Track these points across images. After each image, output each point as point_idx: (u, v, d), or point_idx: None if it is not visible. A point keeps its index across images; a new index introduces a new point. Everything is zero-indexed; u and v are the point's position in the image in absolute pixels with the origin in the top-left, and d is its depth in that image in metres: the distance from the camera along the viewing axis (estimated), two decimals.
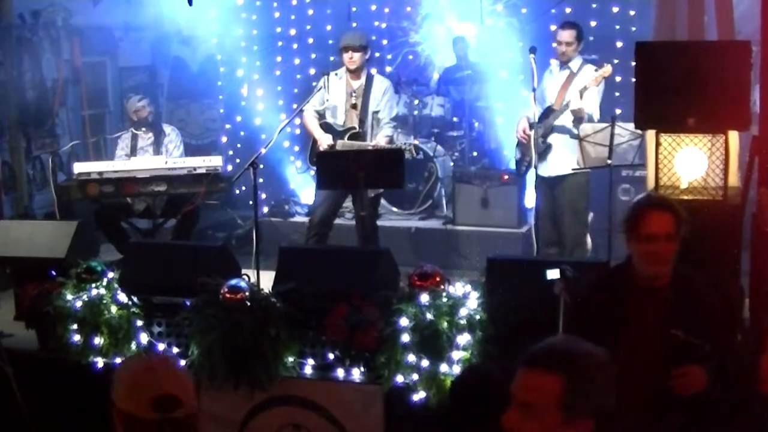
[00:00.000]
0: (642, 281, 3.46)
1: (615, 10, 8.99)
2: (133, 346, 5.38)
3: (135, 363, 2.51)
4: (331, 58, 9.08)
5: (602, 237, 6.66)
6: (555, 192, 6.80)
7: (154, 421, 2.26)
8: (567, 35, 6.66)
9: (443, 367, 4.72)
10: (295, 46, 10.18)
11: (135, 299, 5.43)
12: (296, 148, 9.26)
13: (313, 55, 10.08)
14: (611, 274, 3.76)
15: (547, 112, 6.69)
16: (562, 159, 6.66)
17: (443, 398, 4.63)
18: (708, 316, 3.41)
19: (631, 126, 5.69)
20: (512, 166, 7.39)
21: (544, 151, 6.68)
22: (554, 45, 6.76)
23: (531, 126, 6.62)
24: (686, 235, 3.47)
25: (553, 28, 8.60)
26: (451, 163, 8.62)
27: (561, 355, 2.20)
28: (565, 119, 6.61)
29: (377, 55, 9.39)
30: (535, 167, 6.58)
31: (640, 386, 3.36)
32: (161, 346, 5.36)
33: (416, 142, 7.16)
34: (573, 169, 6.53)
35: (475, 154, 8.97)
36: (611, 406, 2.18)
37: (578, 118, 6.48)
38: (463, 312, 4.78)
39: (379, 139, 6.64)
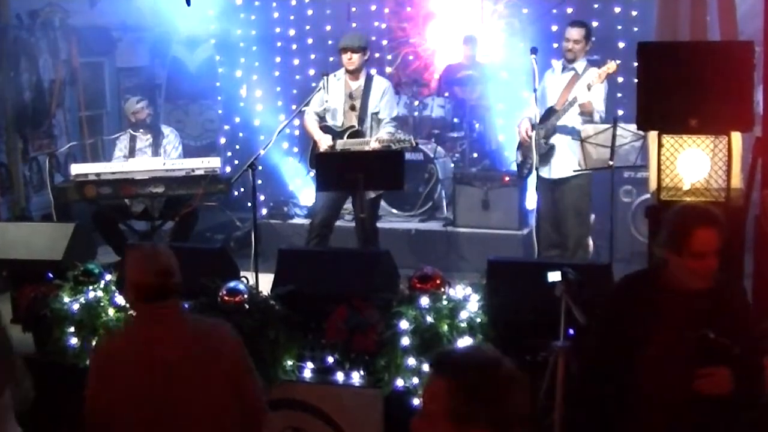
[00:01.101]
0: (680, 286, 3.45)
1: (617, 10, 8.97)
2: None
3: (141, 248, 3.48)
4: (331, 59, 9.05)
5: (604, 239, 6.63)
6: (556, 194, 6.74)
7: (157, 285, 3.26)
8: (575, 33, 6.61)
9: None
10: (294, 46, 10.17)
11: None
12: (295, 150, 9.22)
13: (313, 56, 10.06)
14: (641, 278, 3.72)
15: (549, 113, 6.63)
16: (566, 161, 6.60)
17: None
18: (739, 321, 3.44)
19: (633, 127, 5.65)
20: (513, 168, 7.34)
21: (546, 153, 6.63)
22: (563, 43, 6.67)
23: (533, 127, 6.57)
24: None
25: (554, 28, 8.60)
26: (452, 165, 8.58)
27: (451, 360, 2.21)
28: (569, 119, 6.55)
29: (377, 55, 9.37)
30: (537, 169, 6.53)
31: (671, 389, 3.38)
32: None
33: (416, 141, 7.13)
34: (574, 171, 6.48)
35: (475, 155, 8.94)
36: (509, 418, 2.15)
37: (587, 113, 6.42)
38: (463, 315, 4.73)
39: (381, 134, 6.60)
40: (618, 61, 6.36)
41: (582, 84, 6.50)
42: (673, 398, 3.39)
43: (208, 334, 3.38)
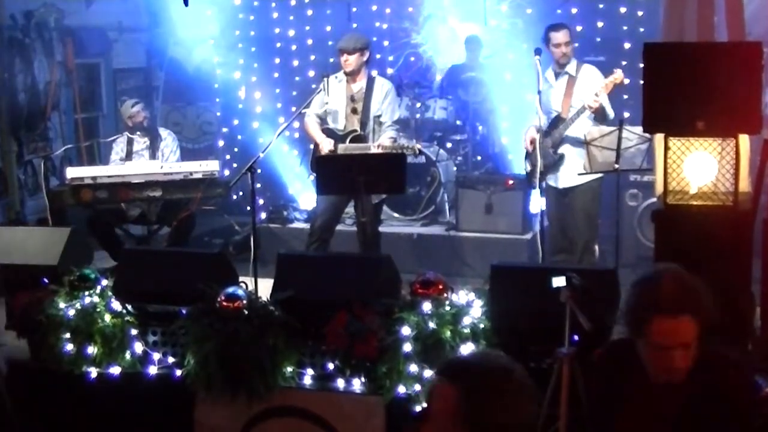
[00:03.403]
0: (648, 375, 2.77)
1: (623, 10, 8.91)
2: (128, 355, 5.30)
3: None
4: (331, 60, 8.96)
5: (609, 244, 6.55)
6: (567, 198, 6.68)
7: None
8: (563, 36, 6.55)
9: None
10: (293, 47, 10.12)
11: (129, 307, 5.34)
12: (295, 152, 9.15)
13: (313, 57, 10.00)
14: (617, 353, 2.98)
15: (556, 122, 6.56)
16: (575, 170, 6.51)
17: None
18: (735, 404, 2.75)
19: (639, 129, 5.61)
20: (519, 172, 7.26)
21: (556, 162, 6.57)
22: (554, 50, 6.58)
23: (539, 132, 6.48)
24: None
25: None
26: (454, 168, 8.51)
27: (461, 366, 2.23)
28: (577, 127, 6.47)
29: (378, 56, 9.30)
30: (542, 174, 6.44)
31: None
32: (156, 356, 5.27)
33: (419, 145, 7.06)
34: (579, 174, 6.41)
35: (478, 158, 8.87)
36: (516, 427, 2.13)
37: (599, 113, 6.36)
38: (466, 321, 4.70)
39: (383, 140, 6.53)
40: (624, 63, 6.28)
41: (582, 86, 6.46)
42: None
43: None
